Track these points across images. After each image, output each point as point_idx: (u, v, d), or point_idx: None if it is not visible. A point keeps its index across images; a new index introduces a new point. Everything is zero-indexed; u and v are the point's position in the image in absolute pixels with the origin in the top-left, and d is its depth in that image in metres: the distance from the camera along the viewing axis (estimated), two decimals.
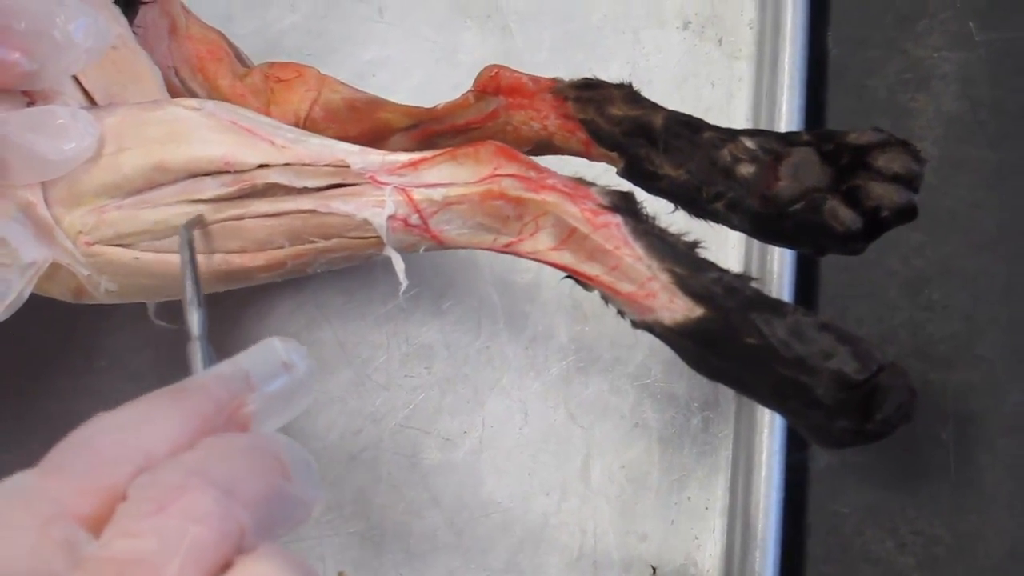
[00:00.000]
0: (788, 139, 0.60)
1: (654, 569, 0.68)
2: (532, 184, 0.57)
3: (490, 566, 0.68)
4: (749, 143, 0.60)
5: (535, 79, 0.63)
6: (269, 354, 0.46)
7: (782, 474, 0.67)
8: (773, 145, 0.60)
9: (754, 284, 0.56)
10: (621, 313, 0.58)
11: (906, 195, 0.57)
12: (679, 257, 0.56)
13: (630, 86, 0.62)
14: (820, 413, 0.53)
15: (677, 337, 0.56)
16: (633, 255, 0.56)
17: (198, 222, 0.58)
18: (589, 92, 0.62)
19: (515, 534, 0.69)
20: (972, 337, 0.72)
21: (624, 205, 0.57)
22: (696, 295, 0.55)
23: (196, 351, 0.53)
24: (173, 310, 0.68)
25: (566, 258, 0.57)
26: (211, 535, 0.38)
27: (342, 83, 0.69)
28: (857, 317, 0.72)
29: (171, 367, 0.73)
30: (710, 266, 0.56)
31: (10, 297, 0.57)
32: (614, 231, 0.56)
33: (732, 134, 0.60)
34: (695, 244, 0.57)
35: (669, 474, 0.70)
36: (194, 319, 0.54)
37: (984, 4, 0.79)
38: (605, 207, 0.57)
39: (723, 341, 0.55)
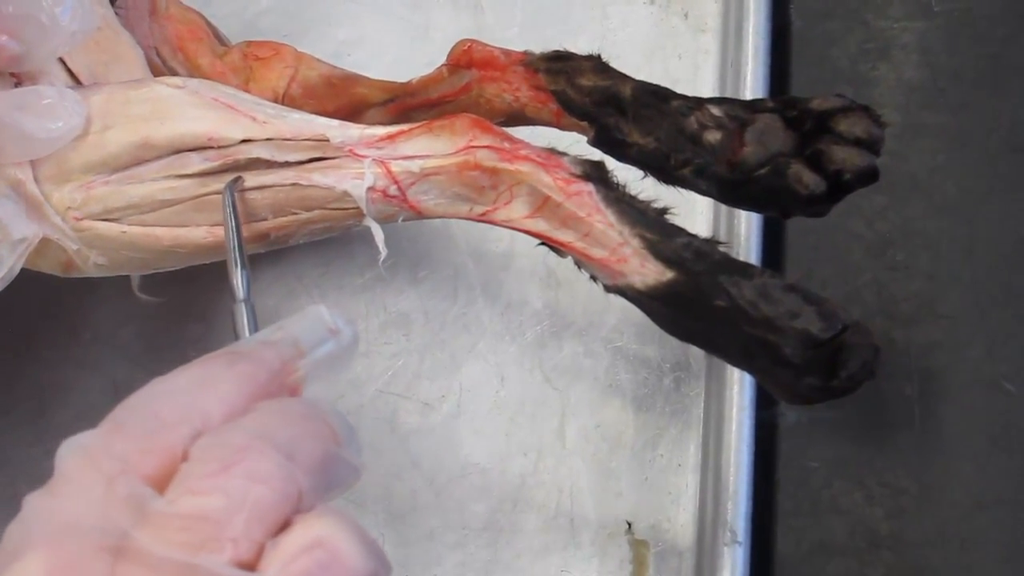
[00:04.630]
0: (753, 106, 0.62)
1: (629, 524, 0.70)
2: (506, 155, 0.59)
3: (469, 525, 0.70)
4: (715, 111, 0.61)
5: (507, 52, 0.64)
6: (316, 320, 0.47)
7: (752, 431, 0.69)
8: (738, 112, 0.62)
9: (722, 248, 0.58)
10: (594, 278, 0.60)
11: (868, 158, 0.59)
12: (649, 223, 0.58)
13: (599, 58, 0.63)
14: (788, 371, 0.55)
15: (648, 300, 0.58)
16: (605, 221, 0.58)
17: (238, 183, 0.59)
18: (559, 64, 0.64)
19: (493, 494, 0.70)
20: (934, 296, 0.73)
21: (595, 174, 0.59)
22: (666, 259, 0.57)
23: (241, 313, 0.53)
24: (156, 284, 0.69)
25: (540, 226, 0.59)
26: (272, 495, 0.39)
27: (319, 60, 0.70)
28: (823, 279, 0.74)
29: (155, 339, 0.75)
30: (679, 231, 0.58)
31: (1, 272, 0.59)
32: (586, 199, 0.58)
33: (699, 102, 0.62)
34: (665, 210, 0.59)
35: (642, 433, 0.72)
36: (239, 281, 0.55)
37: None
38: (577, 176, 0.59)
39: (693, 303, 0.57)
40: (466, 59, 0.65)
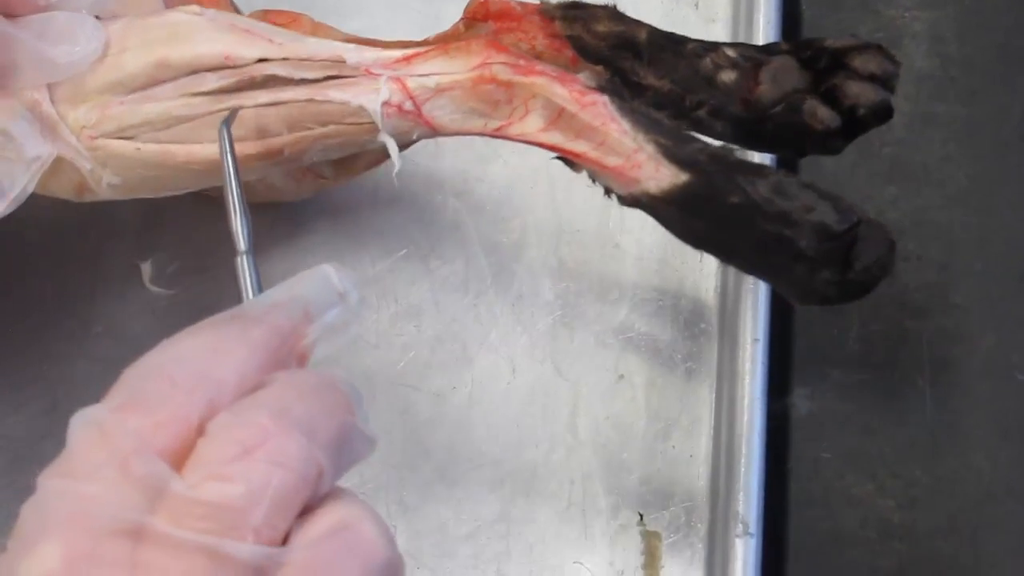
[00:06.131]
0: (767, 49, 0.64)
1: (641, 516, 0.70)
2: (521, 69, 0.59)
3: (482, 516, 0.70)
4: (730, 52, 0.63)
5: (522, 3, 0.65)
6: (324, 282, 0.46)
7: (764, 422, 0.69)
8: (753, 54, 0.63)
9: (737, 154, 0.59)
10: (608, 191, 0.61)
11: (882, 93, 0.61)
12: (664, 130, 0.59)
13: (614, 7, 0.64)
14: (803, 266, 0.56)
15: (663, 205, 0.58)
16: (619, 129, 0.58)
17: (233, 116, 0.58)
18: (575, 11, 0.64)
19: (505, 485, 0.70)
20: (946, 286, 0.73)
21: (610, 86, 0.60)
22: (681, 162, 0.58)
23: (244, 267, 0.51)
24: (167, 277, 0.69)
25: (555, 138, 0.60)
26: (294, 479, 0.39)
27: (335, 29, 0.70)
28: None
29: (166, 332, 0.75)
30: (694, 138, 0.59)
31: (15, 191, 0.60)
32: (601, 109, 0.59)
33: (714, 45, 0.63)
34: (680, 126, 0.60)
35: (654, 424, 0.72)
36: (240, 231, 0.52)
37: None
38: (592, 88, 0.59)
39: (708, 204, 0.57)
40: (483, 12, 0.65)
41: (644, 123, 0.58)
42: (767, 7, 0.77)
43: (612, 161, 0.59)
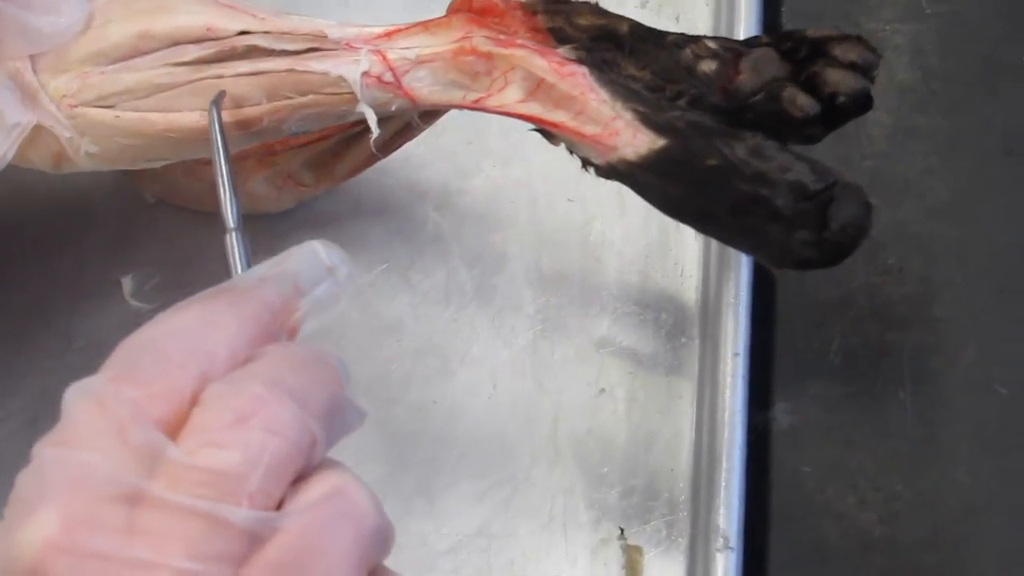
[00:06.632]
0: (748, 41, 0.64)
1: (622, 530, 0.70)
2: (502, 42, 0.60)
3: (462, 531, 0.70)
4: (711, 44, 0.63)
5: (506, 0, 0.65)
6: (312, 257, 0.47)
7: (745, 435, 0.68)
8: (734, 45, 0.63)
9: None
10: (585, 164, 0.61)
11: (862, 81, 0.61)
12: (642, 99, 0.59)
13: (596, 3, 0.64)
14: (779, 226, 0.57)
15: (640, 172, 0.59)
16: (598, 99, 0.59)
17: (222, 96, 0.59)
18: (557, 5, 0.64)
19: (486, 499, 0.70)
20: (928, 299, 0.73)
21: (589, 59, 0.60)
22: (659, 127, 0.58)
23: (234, 244, 0.52)
24: (148, 291, 0.69)
25: (534, 109, 0.61)
26: (288, 447, 0.40)
27: None
28: (815, 282, 0.74)
29: None
30: (672, 106, 0.59)
31: None
32: (580, 79, 0.60)
33: (695, 38, 0.64)
34: (658, 98, 0.60)
35: (635, 437, 0.71)
36: (228, 208, 0.54)
37: None
38: (571, 59, 0.60)
39: (685, 168, 0.58)
40: (466, 6, 0.65)
41: (623, 93, 0.59)
42: (747, 22, 0.77)
43: (590, 129, 0.59)
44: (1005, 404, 0.71)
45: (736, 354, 0.69)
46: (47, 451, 0.40)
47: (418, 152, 0.74)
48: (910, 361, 0.72)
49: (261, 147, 0.69)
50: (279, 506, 0.40)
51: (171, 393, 0.40)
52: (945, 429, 0.71)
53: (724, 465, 0.68)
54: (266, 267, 0.46)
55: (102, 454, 0.39)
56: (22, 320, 0.74)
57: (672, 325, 0.74)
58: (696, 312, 0.74)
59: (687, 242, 0.75)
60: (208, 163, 0.67)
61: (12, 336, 0.73)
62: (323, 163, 0.71)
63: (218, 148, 0.56)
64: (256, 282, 0.45)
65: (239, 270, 0.51)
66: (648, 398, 0.72)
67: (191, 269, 0.72)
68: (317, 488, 0.40)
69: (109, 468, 0.38)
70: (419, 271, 0.75)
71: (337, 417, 0.43)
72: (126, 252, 0.74)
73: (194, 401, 0.40)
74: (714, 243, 0.73)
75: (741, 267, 0.70)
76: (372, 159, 0.69)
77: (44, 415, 0.71)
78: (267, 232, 0.74)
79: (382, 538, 0.42)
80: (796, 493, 0.70)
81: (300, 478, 0.41)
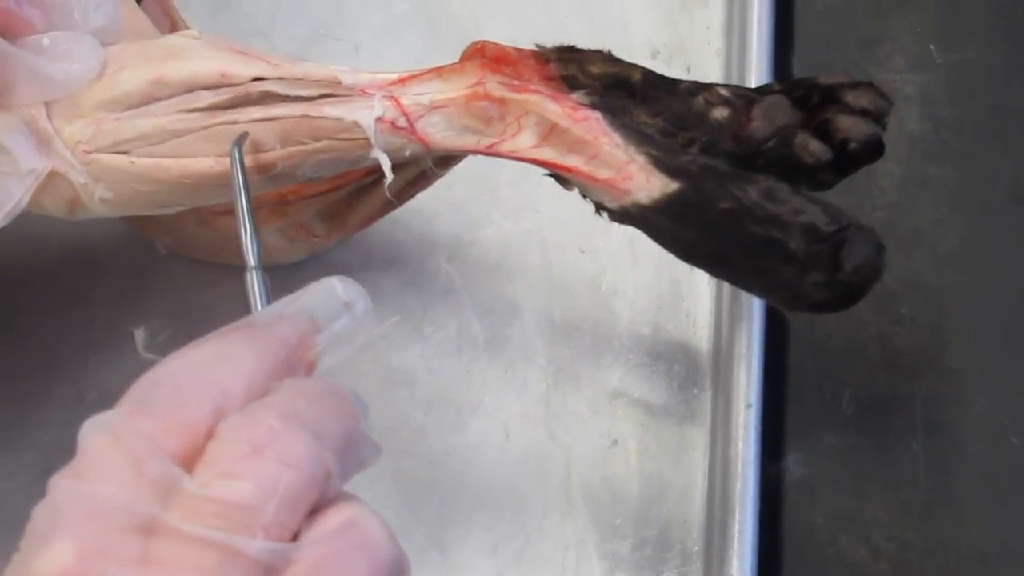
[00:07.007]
0: (760, 89, 0.64)
1: None
2: (515, 87, 0.60)
3: None
4: (723, 91, 0.63)
5: (519, 49, 0.65)
6: (330, 293, 0.47)
7: (757, 486, 0.68)
8: (746, 92, 0.63)
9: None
10: (598, 208, 0.61)
11: (874, 127, 0.61)
12: (656, 143, 0.60)
13: (609, 52, 0.65)
14: (792, 269, 0.57)
15: (653, 215, 0.59)
16: (611, 142, 0.59)
17: (244, 139, 0.59)
18: (570, 54, 0.64)
19: (499, 551, 0.70)
20: (939, 349, 0.73)
21: (602, 104, 0.61)
22: (671, 171, 0.58)
23: (253, 282, 0.53)
24: (160, 344, 0.69)
25: (547, 153, 0.61)
26: (303, 479, 0.40)
27: None
28: (826, 332, 0.74)
29: None
30: (685, 151, 0.60)
31: (10, 205, 0.61)
32: (593, 124, 0.60)
33: (707, 85, 0.64)
34: (671, 143, 0.61)
35: (647, 488, 0.71)
36: (249, 247, 0.54)
37: (943, 28, 0.81)
38: (584, 104, 0.60)
39: (698, 211, 0.58)
40: (479, 54, 0.65)
41: (636, 137, 0.59)
42: (758, 72, 0.77)
43: (603, 173, 0.59)
44: (1018, 454, 0.71)
45: (748, 405, 0.69)
46: (63, 483, 0.40)
47: (429, 204, 0.74)
48: (922, 411, 0.72)
49: (274, 196, 0.69)
50: (294, 538, 0.40)
51: (187, 427, 0.41)
52: (958, 479, 0.71)
53: (737, 516, 0.68)
54: (284, 303, 0.47)
55: (118, 486, 0.39)
56: (34, 372, 0.74)
57: (684, 376, 0.74)
58: (708, 363, 0.74)
59: (699, 293, 0.75)
60: (222, 213, 0.68)
61: (24, 388, 0.73)
62: (336, 213, 0.71)
63: (239, 187, 0.57)
64: (273, 318, 0.46)
65: (259, 308, 0.52)
66: (660, 449, 0.72)
67: (204, 321, 0.71)
68: (332, 520, 0.41)
69: (124, 499, 0.39)
70: (431, 323, 0.75)
71: (352, 451, 0.43)
72: (138, 304, 0.74)
73: (210, 435, 0.41)
74: (726, 294, 0.73)
75: (753, 318, 0.70)
76: (384, 209, 0.70)
77: (56, 467, 0.71)
78: (279, 284, 0.73)
79: (398, 570, 0.42)
80: (809, 543, 0.70)
81: (315, 510, 0.41)
